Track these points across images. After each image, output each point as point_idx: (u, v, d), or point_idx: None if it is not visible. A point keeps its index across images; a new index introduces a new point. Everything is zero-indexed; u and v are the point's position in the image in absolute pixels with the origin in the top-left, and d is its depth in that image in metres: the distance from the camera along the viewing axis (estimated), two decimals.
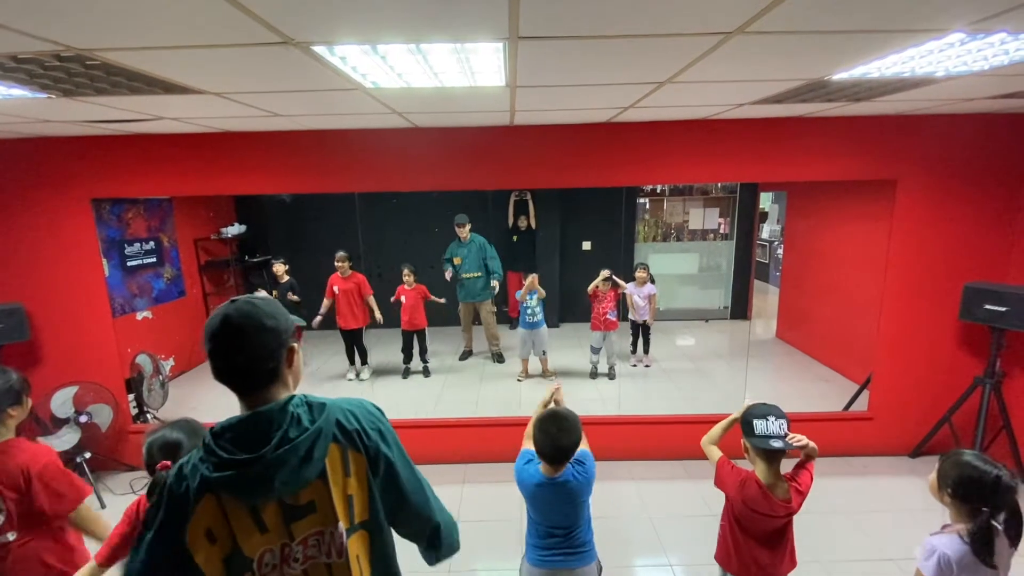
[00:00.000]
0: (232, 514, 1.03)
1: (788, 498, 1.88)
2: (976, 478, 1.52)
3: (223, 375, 1.05)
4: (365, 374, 5.65)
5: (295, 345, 1.12)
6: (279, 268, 5.44)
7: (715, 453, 2.08)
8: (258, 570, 1.06)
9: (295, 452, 1.02)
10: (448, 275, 5.70)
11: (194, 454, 1.06)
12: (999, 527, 1.51)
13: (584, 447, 1.94)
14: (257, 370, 1.05)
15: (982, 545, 1.47)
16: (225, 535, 1.03)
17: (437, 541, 1.25)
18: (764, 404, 1.97)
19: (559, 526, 1.93)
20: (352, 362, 5.65)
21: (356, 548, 1.13)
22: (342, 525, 1.09)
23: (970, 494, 1.52)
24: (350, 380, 5.58)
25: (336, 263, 5.28)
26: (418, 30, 1.54)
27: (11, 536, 1.79)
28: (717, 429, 2.14)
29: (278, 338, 1.07)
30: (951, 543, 1.52)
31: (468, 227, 5.62)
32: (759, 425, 1.89)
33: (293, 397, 1.09)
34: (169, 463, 1.49)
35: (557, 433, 1.84)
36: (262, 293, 4.96)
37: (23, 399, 1.91)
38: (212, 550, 1.03)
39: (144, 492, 1.47)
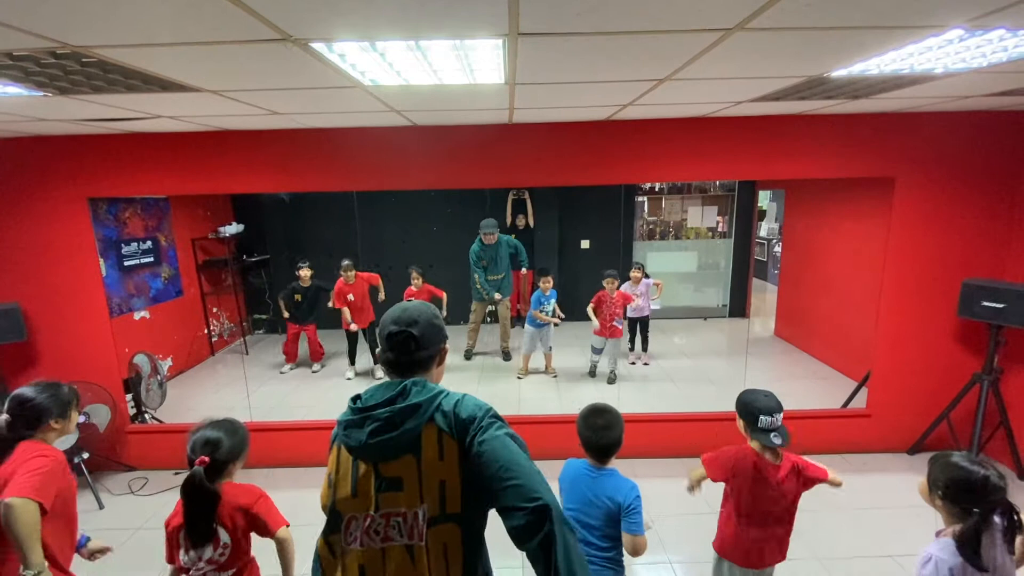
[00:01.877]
0: (342, 463, 1.21)
1: (779, 463, 1.99)
2: (964, 479, 1.52)
3: (393, 354, 1.24)
4: (379, 371, 5.67)
5: (447, 347, 1.34)
6: (304, 272, 5.50)
7: (699, 469, 2.15)
8: (344, 537, 1.18)
9: (392, 416, 1.14)
10: (479, 285, 5.54)
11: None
12: (997, 528, 1.50)
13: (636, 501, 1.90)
14: (420, 356, 1.24)
15: (970, 546, 1.46)
16: (334, 480, 1.21)
17: (547, 522, 1.05)
18: (764, 395, 2.01)
19: (590, 517, 1.92)
20: (352, 362, 5.65)
21: (444, 538, 1.16)
22: (426, 509, 1.14)
23: (960, 495, 1.52)
24: (349, 379, 5.58)
25: (341, 272, 5.29)
26: (417, 27, 1.53)
27: None
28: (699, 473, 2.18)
29: (440, 334, 1.31)
30: (946, 547, 1.51)
31: (496, 232, 5.50)
32: (764, 420, 1.94)
33: (415, 378, 1.22)
34: (208, 459, 1.63)
35: (603, 426, 1.90)
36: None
37: (69, 413, 1.92)
38: (328, 490, 1.23)
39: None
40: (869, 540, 3.03)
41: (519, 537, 1.08)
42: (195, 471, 1.62)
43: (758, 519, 2.01)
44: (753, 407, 1.97)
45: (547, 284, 5.16)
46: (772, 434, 1.94)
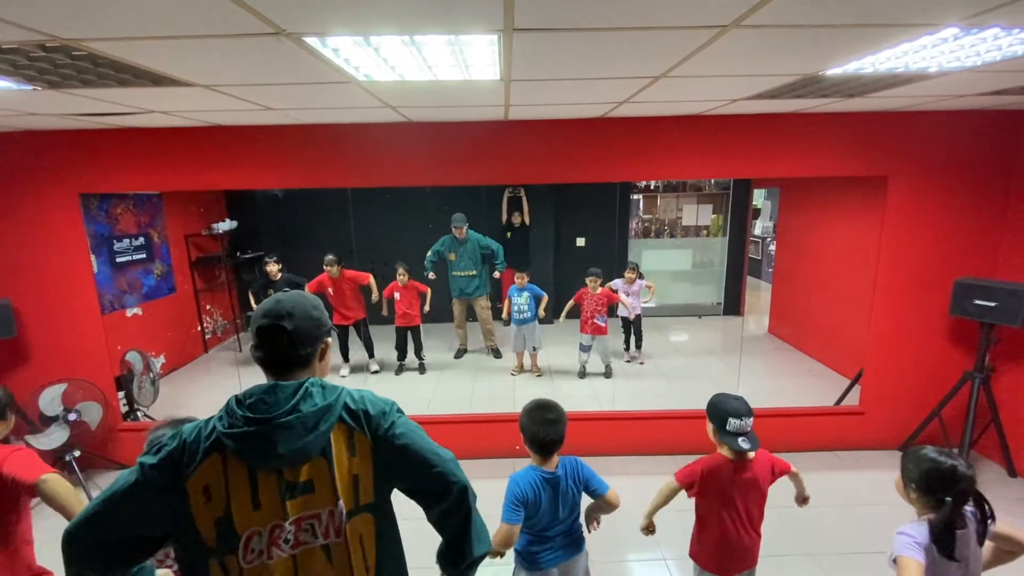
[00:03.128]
0: (232, 477, 1.07)
1: (751, 460, 1.98)
2: (935, 469, 1.55)
3: (263, 351, 1.15)
4: (374, 365, 5.67)
5: (329, 340, 1.24)
6: (272, 267, 5.41)
7: (664, 492, 2.12)
8: (244, 554, 1.07)
9: (303, 421, 1.07)
10: (430, 276, 5.67)
11: (215, 414, 1.12)
12: (969, 519, 1.53)
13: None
14: (295, 352, 1.15)
15: (943, 535, 1.48)
16: (220, 496, 1.07)
17: (466, 500, 1.23)
18: (734, 398, 1.99)
19: (560, 521, 1.94)
20: (346, 359, 5.64)
21: (360, 528, 1.15)
22: (343, 504, 1.11)
23: (932, 486, 1.55)
24: (343, 376, 5.56)
25: (325, 266, 5.28)
26: (411, 22, 1.52)
27: None
28: (657, 500, 2.17)
29: (319, 328, 1.19)
30: (920, 528, 1.54)
31: (465, 227, 5.62)
32: (733, 423, 1.92)
33: (310, 378, 1.16)
34: None
35: (551, 420, 1.88)
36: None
37: (7, 414, 1.87)
38: (207, 508, 1.07)
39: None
40: (861, 536, 3.05)
41: (443, 515, 1.23)
42: (156, 435, 1.55)
43: (735, 523, 2.00)
44: (722, 408, 1.95)
45: (520, 280, 5.27)
46: (740, 438, 1.91)
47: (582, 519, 2.04)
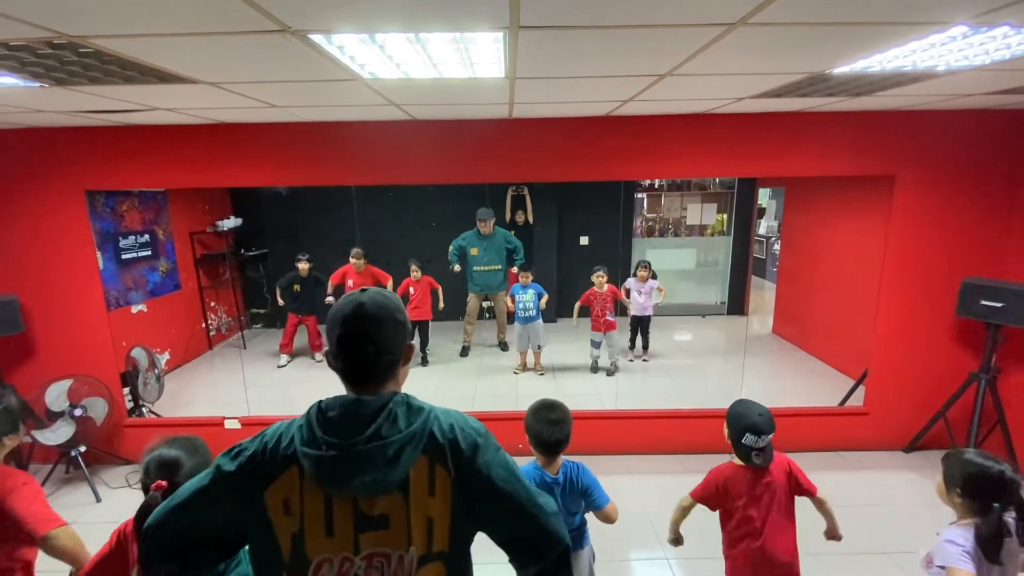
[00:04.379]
0: (308, 495, 0.99)
1: (768, 466, 1.92)
2: (982, 475, 1.54)
3: (347, 362, 1.03)
4: None
5: (412, 343, 1.12)
6: (304, 265, 5.64)
7: (680, 509, 2.08)
8: None
9: (383, 451, 0.96)
10: (455, 269, 5.72)
11: (298, 419, 1.03)
12: (1010, 525, 1.51)
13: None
14: (381, 362, 1.04)
15: (991, 540, 1.47)
16: (298, 511, 0.99)
17: (567, 569, 1.11)
18: (758, 413, 1.89)
19: (567, 514, 1.94)
20: None
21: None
22: (414, 550, 1.00)
23: (979, 491, 1.53)
24: None
25: (352, 258, 5.46)
26: (417, 18, 1.52)
27: None
28: (675, 517, 2.13)
29: (404, 334, 1.08)
30: (966, 533, 1.52)
31: (492, 221, 5.66)
32: (749, 439, 1.86)
33: (396, 395, 1.04)
34: (165, 484, 1.39)
35: (555, 420, 1.87)
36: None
37: (19, 425, 1.87)
38: (285, 521, 0.99)
39: (133, 516, 1.38)
40: (865, 538, 3.03)
41: (531, 573, 1.10)
42: (151, 496, 1.39)
43: (765, 531, 1.93)
44: (744, 422, 1.87)
45: (525, 278, 5.32)
46: (754, 453, 1.86)
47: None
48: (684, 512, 2.07)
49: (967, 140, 3.47)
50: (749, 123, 3.47)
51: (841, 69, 2.19)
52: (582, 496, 1.92)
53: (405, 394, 1.06)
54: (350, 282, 5.42)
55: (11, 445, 1.83)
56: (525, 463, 1.95)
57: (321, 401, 1.03)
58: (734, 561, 2.00)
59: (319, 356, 5.92)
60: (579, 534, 2.00)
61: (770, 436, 1.86)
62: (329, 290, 5.56)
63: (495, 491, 1.03)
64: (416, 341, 5.66)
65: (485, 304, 6.17)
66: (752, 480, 1.90)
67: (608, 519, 1.94)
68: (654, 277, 5.61)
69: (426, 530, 1.00)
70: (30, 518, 1.67)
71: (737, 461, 1.95)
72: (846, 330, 5.23)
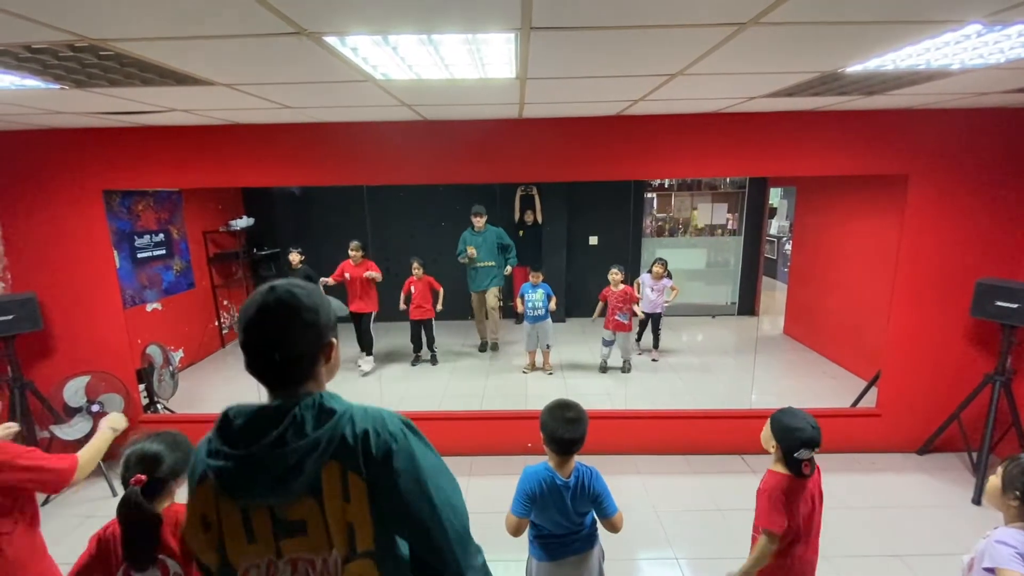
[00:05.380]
0: (223, 508, 0.97)
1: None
2: None
3: (254, 369, 0.99)
4: (367, 365, 5.64)
5: (335, 340, 1.05)
6: (295, 257, 5.60)
7: (763, 552, 1.89)
8: None
9: (283, 459, 0.92)
10: (471, 252, 5.72)
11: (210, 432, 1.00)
12: None
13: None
14: (292, 368, 0.98)
15: None
16: (215, 523, 0.97)
17: None
18: (812, 426, 1.85)
19: (569, 523, 1.94)
20: (364, 350, 5.69)
21: (358, 572, 0.99)
22: (336, 552, 0.97)
23: None
24: (366, 373, 5.61)
25: (350, 251, 5.41)
26: (430, 20, 1.53)
27: None
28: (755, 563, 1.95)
29: (318, 334, 1.00)
30: (1020, 536, 1.51)
31: (484, 218, 5.70)
32: (804, 453, 1.82)
33: (309, 396, 0.98)
34: (144, 477, 1.42)
35: (571, 419, 1.87)
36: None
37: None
38: (205, 538, 0.98)
39: (115, 517, 1.43)
40: (877, 540, 3.01)
41: None
42: (130, 491, 1.42)
43: (811, 536, 1.93)
44: (798, 437, 1.81)
45: (535, 278, 5.31)
46: (803, 465, 1.82)
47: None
48: (766, 556, 1.87)
49: (982, 139, 3.43)
50: (760, 122, 3.45)
51: (854, 68, 2.18)
52: (592, 502, 1.92)
53: (321, 394, 1.00)
54: (347, 275, 5.42)
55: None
56: (536, 463, 1.97)
57: (228, 409, 0.99)
58: (783, 568, 1.93)
59: None
60: (590, 534, 2.00)
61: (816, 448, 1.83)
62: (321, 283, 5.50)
63: (401, 501, 0.98)
64: (421, 339, 5.69)
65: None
66: (800, 488, 1.88)
67: (613, 528, 1.93)
68: (669, 276, 5.59)
69: (346, 534, 0.97)
70: (45, 473, 1.73)
71: (779, 470, 1.89)
72: (858, 331, 5.18)
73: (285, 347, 0.97)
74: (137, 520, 1.42)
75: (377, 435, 0.98)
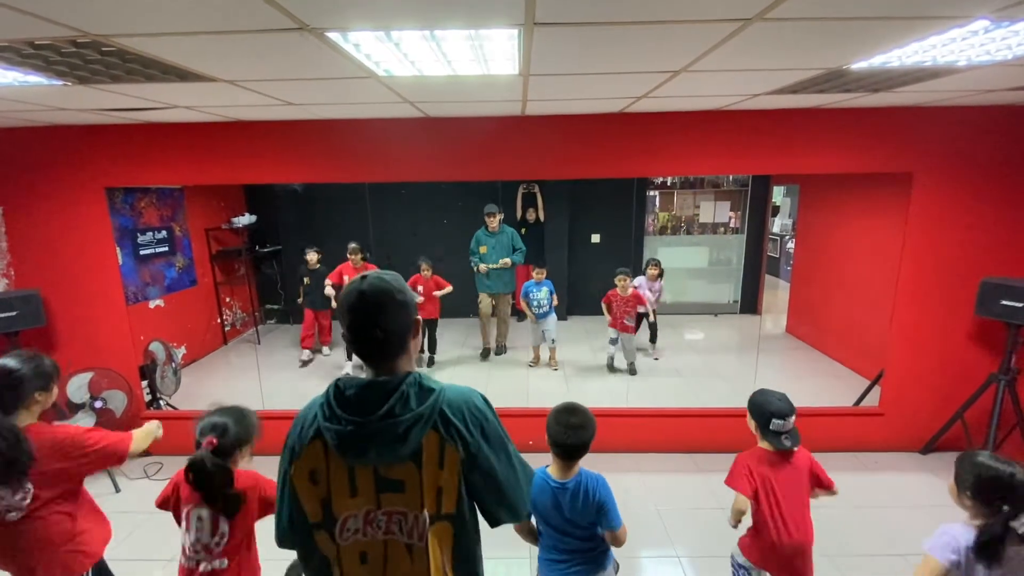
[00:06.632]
0: (333, 464, 1.13)
1: (795, 450, 2.00)
2: (994, 477, 1.53)
3: (360, 347, 1.13)
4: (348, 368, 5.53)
5: (418, 318, 1.21)
6: (312, 256, 5.59)
7: (739, 508, 2.00)
8: (339, 535, 1.14)
9: (394, 428, 1.08)
10: (482, 268, 5.54)
11: (319, 397, 1.16)
12: (1018, 530, 1.49)
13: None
14: (391, 342, 1.14)
15: (992, 545, 1.46)
16: (324, 481, 1.14)
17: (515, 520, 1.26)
18: (777, 398, 2.02)
19: (571, 535, 1.87)
20: (350, 356, 5.56)
21: (439, 534, 1.15)
22: (427, 513, 1.13)
23: (989, 494, 1.52)
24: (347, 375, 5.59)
25: (348, 254, 5.29)
26: (432, 15, 1.53)
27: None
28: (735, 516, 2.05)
29: (408, 313, 1.16)
30: (967, 532, 1.52)
31: (499, 217, 5.52)
32: (776, 423, 1.97)
33: (409, 375, 1.14)
34: (216, 440, 1.68)
35: (576, 424, 1.82)
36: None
37: (51, 385, 1.92)
38: (312, 490, 1.14)
39: (186, 465, 1.66)
40: (880, 539, 3.01)
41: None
42: (200, 452, 1.64)
43: (789, 518, 1.95)
44: (766, 410, 1.99)
45: (539, 275, 5.26)
46: (783, 436, 1.97)
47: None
48: (743, 512, 2.00)
49: (988, 137, 3.41)
50: (764, 119, 3.44)
51: (859, 65, 2.16)
52: (595, 511, 1.82)
53: (418, 374, 1.17)
54: (346, 278, 5.30)
55: (42, 401, 1.89)
56: (537, 462, 1.95)
57: (339, 380, 1.15)
58: (759, 543, 2.02)
59: (327, 350, 5.97)
60: (601, 552, 1.91)
61: (793, 417, 1.98)
62: (328, 290, 5.35)
63: (488, 465, 1.15)
64: (422, 339, 5.67)
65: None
66: (779, 464, 1.99)
67: (616, 542, 1.86)
68: (661, 277, 5.58)
69: (436, 496, 1.13)
70: (107, 449, 1.88)
71: (765, 446, 2.02)
72: (861, 330, 5.17)
73: (384, 324, 1.12)
74: (209, 476, 1.64)
75: (471, 413, 1.17)
